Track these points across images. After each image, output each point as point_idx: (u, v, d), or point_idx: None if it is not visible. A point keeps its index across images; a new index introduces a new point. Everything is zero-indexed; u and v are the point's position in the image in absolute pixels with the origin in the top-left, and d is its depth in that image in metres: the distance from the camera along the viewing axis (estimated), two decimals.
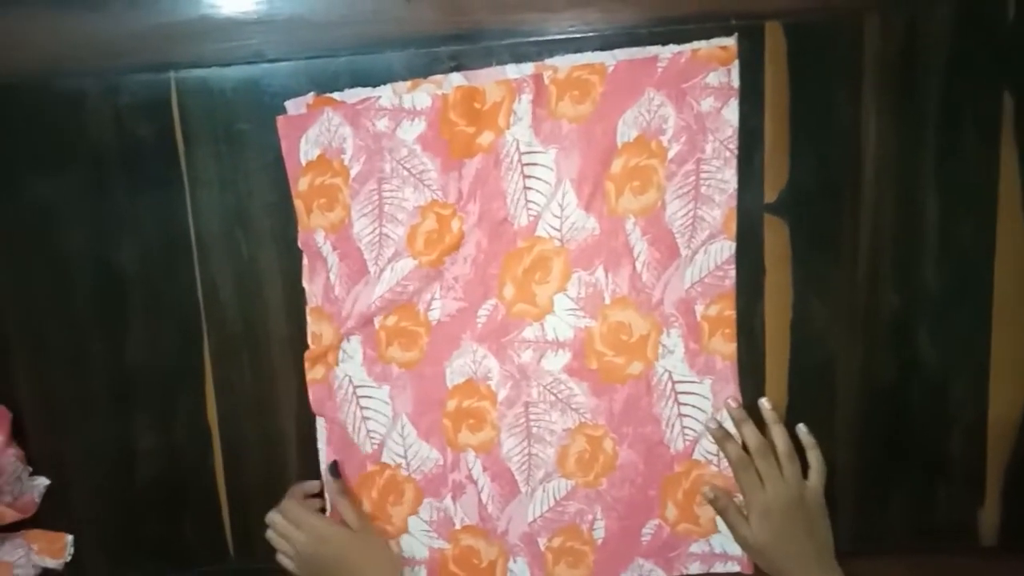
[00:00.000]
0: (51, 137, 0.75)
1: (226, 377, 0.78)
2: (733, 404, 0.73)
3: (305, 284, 0.76)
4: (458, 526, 0.79)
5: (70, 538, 0.81)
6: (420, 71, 0.71)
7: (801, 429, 0.73)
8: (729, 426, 0.74)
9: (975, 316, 0.72)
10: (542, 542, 0.78)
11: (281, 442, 0.79)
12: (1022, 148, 0.69)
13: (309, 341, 0.77)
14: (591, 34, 0.70)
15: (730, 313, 0.72)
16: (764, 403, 0.73)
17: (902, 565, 0.76)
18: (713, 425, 0.73)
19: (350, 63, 0.72)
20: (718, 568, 0.77)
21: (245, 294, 0.76)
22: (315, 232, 0.75)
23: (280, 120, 0.73)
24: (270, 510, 0.76)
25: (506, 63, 0.70)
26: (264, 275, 0.76)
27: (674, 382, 0.74)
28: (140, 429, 0.80)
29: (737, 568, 0.77)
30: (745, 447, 0.72)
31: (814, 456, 0.72)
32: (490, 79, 0.70)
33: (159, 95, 0.73)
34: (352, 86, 0.72)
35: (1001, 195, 0.70)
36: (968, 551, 0.75)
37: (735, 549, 0.76)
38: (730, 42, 0.68)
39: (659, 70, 0.69)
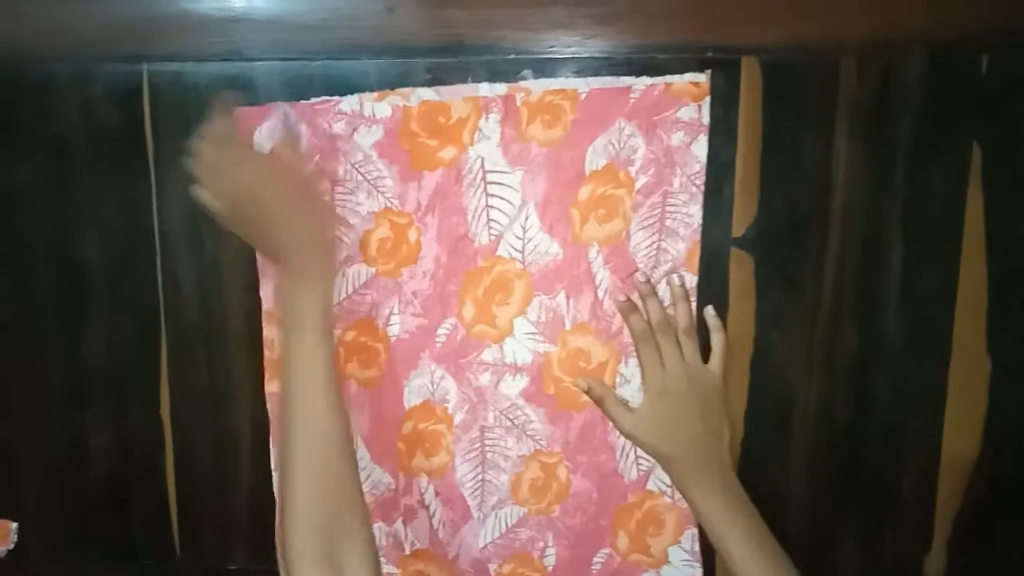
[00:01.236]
0: (19, 122, 0.73)
1: (182, 374, 0.77)
2: (641, 278, 0.69)
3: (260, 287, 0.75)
4: (408, 551, 0.78)
5: (15, 525, 0.80)
6: (395, 81, 0.70)
7: (708, 311, 0.70)
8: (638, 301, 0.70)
9: (933, 362, 0.72)
10: (493, 568, 0.77)
11: (234, 442, 0.78)
12: (988, 198, 0.69)
13: (264, 347, 0.75)
14: (569, 57, 0.70)
15: None
16: (674, 278, 0.69)
17: None
18: (622, 297, 0.69)
19: (325, 68, 0.71)
20: None
21: (206, 291, 0.75)
22: None
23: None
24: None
25: (482, 80, 0.70)
26: (226, 274, 0.75)
27: None
28: (93, 421, 0.78)
29: None
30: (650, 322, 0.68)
31: (718, 339, 0.69)
32: (459, 95, 0.70)
33: (131, 86, 0.72)
34: (326, 91, 0.71)
35: (965, 243, 0.70)
36: None
37: None
38: (702, 78, 0.68)
39: (631, 101, 0.69)
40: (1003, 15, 0.67)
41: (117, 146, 0.74)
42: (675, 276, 0.70)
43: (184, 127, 0.72)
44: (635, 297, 0.70)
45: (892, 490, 0.74)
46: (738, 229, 0.71)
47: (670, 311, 0.69)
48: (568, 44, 0.70)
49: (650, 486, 0.75)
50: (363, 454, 0.76)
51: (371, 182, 0.72)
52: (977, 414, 0.72)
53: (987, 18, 0.67)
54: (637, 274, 0.70)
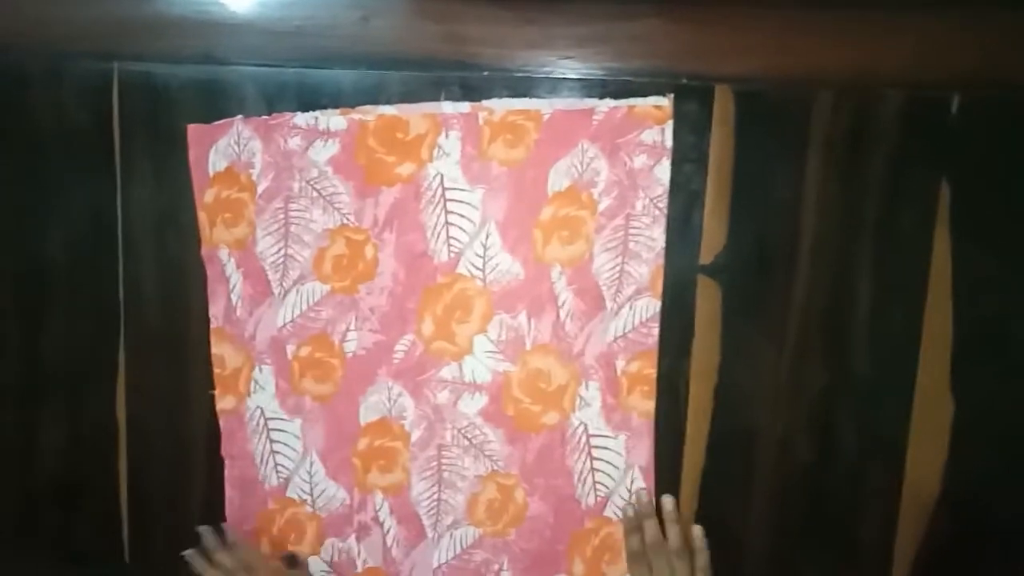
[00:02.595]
0: None
1: (139, 376, 0.76)
2: (644, 497, 0.73)
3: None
4: (360, 568, 0.76)
5: None
6: (368, 92, 0.70)
7: (696, 530, 0.72)
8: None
9: (897, 401, 0.71)
10: None
11: (189, 447, 0.77)
12: (955, 237, 0.68)
13: (213, 364, 0.75)
14: (543, 76, 0.69)
15: (650, 371, 0.71)
16: (667, 500, 0.72)
17: None
18: (630, 513, 0.73)
19: (299, 76, 0.71)
20: None
21: (167, 295, 0.75)
22: (219, 248, 0.73)
23: (191, 128, 0.72)
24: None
25: (456, 96, 0.69)
26: (189, 278, 0.75)
27: (589, 435, 0.73)
28: (46, 421, 0.78)
29: None
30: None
31: (702, 558, 0.71)
32: (418, 111, 0.70)
33: (101, 84, 0.72)
34: (299, 99, 0.71)
35: (931, 282, 0.69)
36: None
37: None
38: (665, 102, 0.68)
39: (594, 123, 0.68)
40: (976, 61, 0.67)
41: (84, 144, 0.74)
42: (642, 492, 0.73)
43: (152, 129, 0.72)
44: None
45: (852, 528, 0.73)
46: (706, 257, 0.71)
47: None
48: (543, 64, 0.69)
49: (607, 512, 0.74)
50: (318, 469, 0.75)
51: (326, 198, 0.71)
52: (939, 455, 0.71)
53: (959, 63, 0.67)
54: (641, 491, 0.73)
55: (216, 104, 0.72)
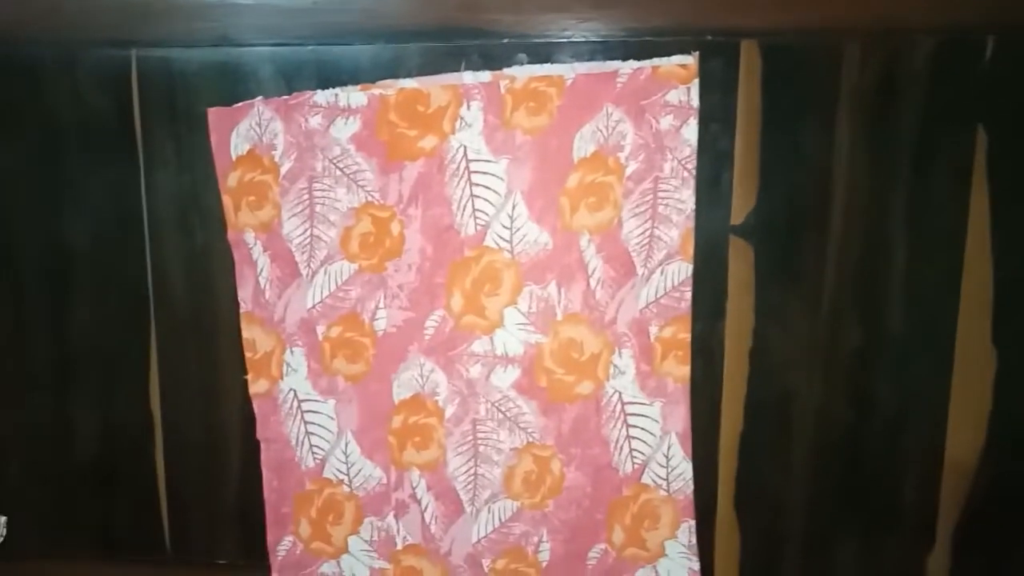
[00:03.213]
0: (6, 105, 0.73)
1: (171, 364, 0.77)
2: None
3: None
4: (400, 546, 0.77)
5: (3, 519, 0.80)
6: (386, 66, 0.69)
7: None
8: None
9: (936, 360, 0.69)
10: (486, 563, 0.76)
11: (224, 433, 0.77)
12: (993, 189, 0.67)
13: (244, 348, 0.75)
14: (564, 41, 0.68)
15: (684, 336, 0.70)
16: None
17: None
18: None
19: (316, 53, 0.70)
20: None
21: (196, 281, 0.75)
22: (244, 232, 0.73)
23: (211, 112, 0.71)
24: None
25: (477, 65, 0.69)
26: (216, 263, 0.75)
27: (624, 403, 0.72)
28: (80, 410, 0.78)
29: None
30: None
31: None
32: (438, 83, 0.69)
33: (119, 71, 0.72)
34: (318, 77, 0.70)
35: (969, 236, 0.67)
36: None
37: (681, 575, 0.74)
38: (690, 60, 0.66)
39: (618, 85, 0.67)
40: (1009, 2, 0.65)
41: (106, 131, 0.73)
42: None
43: (172, 113, 0.72)
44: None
45: (894, 489, 0.72)
46: (737, 217, 0.69)
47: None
48: (563, 28, 0.68)
49: (645, 479, 0.73)
50: (353, 448, 0.75)
51: (350, 177, 0.71)
52: (981, 411, 0.70)
53: (992, 5, 0.65)
54: None
55: (235, 86, 0.71)
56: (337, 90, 0.70)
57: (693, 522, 0.74)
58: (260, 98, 0.71)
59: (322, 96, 0.70)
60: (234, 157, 0.72)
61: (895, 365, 0.70)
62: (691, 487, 0.73)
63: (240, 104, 0.71)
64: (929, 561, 0.73)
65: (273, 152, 0.71)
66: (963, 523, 0.72)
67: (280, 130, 0.71)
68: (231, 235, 0.73)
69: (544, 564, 0.76)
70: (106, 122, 0.73)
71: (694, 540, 0.74)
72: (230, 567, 0.79)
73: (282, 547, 0.78)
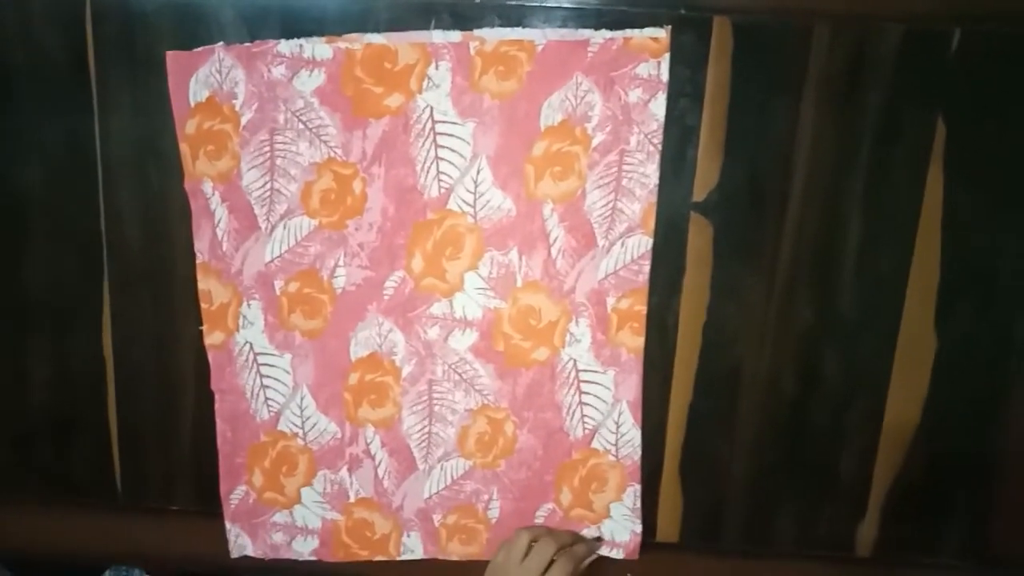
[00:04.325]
0: None
1: (125, 310, 0.75)
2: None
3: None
4: (352, 499, 0.78)
5: None
6: (354, 20, 0.67)
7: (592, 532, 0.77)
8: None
9: (881, 340, 0.72)
10: (437, 518, 0.78)
11: (178, 381, 0.77)
12: (948, 175, 0.68)
13: (200, 299, 0.74)
14: (536, 5, 0.67)
15: (640, 308, 0.71)
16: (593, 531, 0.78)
17: (787, 570, 0.78)
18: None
19: (282, 2, 0.68)
20: (603, 552, 0.78)
21: (151, 229, 0.74)
22: (202, 181, 0.71)
23: (169, 55, 0.69)
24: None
25: (446, 24, 0.67)
26: (173, 210, 0.73)
27: (578, 371, 0.73)
28: (32, 355, 0.77)
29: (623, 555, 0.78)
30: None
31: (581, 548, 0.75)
32: (407, 40, 0.67)
33: (73, 9, 0.69)
34: (282, 26, 0.68)
35: (921, 224, 0.69)
36: (845, 561, 0.77)
37: (623, 536, 0.77)
38: (662, 34, 0.66)
39: (589, 55, 0.66)
40: None
41: (58, 73, 0.70)
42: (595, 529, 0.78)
43: (129, 56, 0.70)
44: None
45: (832, 460, 0.75)
46: (699, 194, 0.70)
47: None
48: None
49: (595, 444, 0.75)
50: (309, 403, 0.76)
51: (313, 131, 0.69)
52: (919, 393, 0.73)
53: None
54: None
55: (195, 30, 0.68)
56: (302, 41, 0.68)
57: (639, 487, 0.76)
58: (221, 44, 0.69)
59: (286, 46, 0.68)
60: (192, 104, 0.70)
61: (842, 343, 0.72)
62: (639, 453, 0.75)
63: (200, 49, 0.69)
64: (859, 529, 0.76)
65: (234, 101, 0.69)
66: (893, 495, 0.75)
67: (241, 78, 0.69)
68: (188, 184, 0.72)
69: (493, 521, 0.78)
70: (58, 63, 0.70)
71: (639, 504, 0.76)
72: (182, 513, 0.80)
73: (235, 496, 0.79)
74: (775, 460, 0.75)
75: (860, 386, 0.73)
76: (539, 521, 0.77)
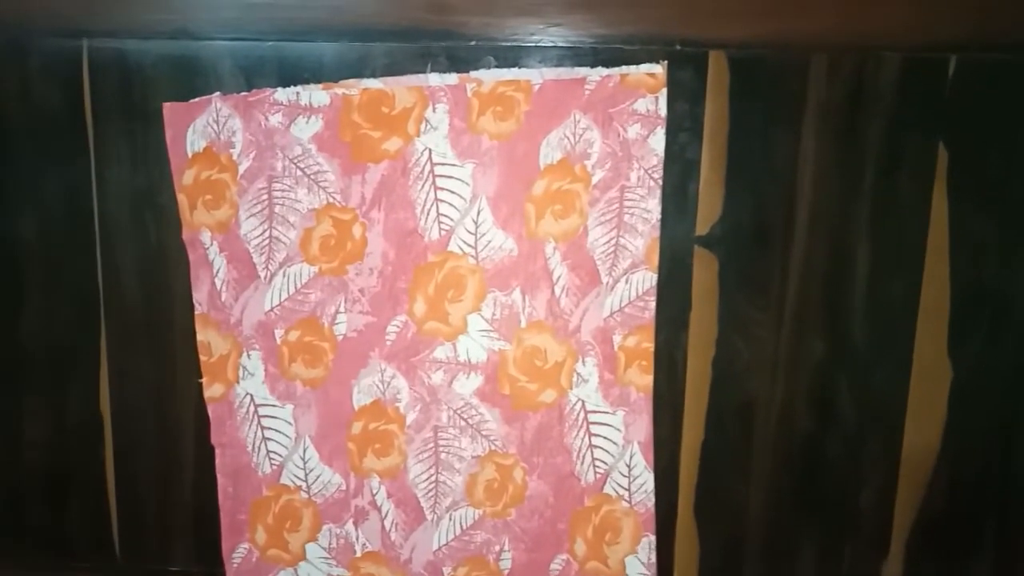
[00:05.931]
0: None
1: (123, 365, 0.74)
2: None
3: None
4: (359, 553, 0.76)
5: None
6: (351, 65, 0.68)
7: None
8: None
9: (895, 369, 0.71)
10: (447, 571, 0.75)
11: (177, 436, 0.75)
12: (953, 201, 0.68)
13: (199, 351, 0.73)
14: (532, 45, 0.67)
15: (648, 345, 0.70)
16: None
17: None
18: None
19: (277, 49, 0.68)
20: None
21: (149, 281, 0.73)
22: (200, 231, 0.71)
23: (167, 107, 0.69)
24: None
25: (443, 67, 0.67)
26: (171, 262, 0.72)
27: (587, 412, 0.72)
28: (28, 412, 0.76)
29: None
30: None
31: None
32: (404, 84, 0.67)
33: (70, 63, 0.69)
34: (279, 73, 0.68)
35: (928, 251, 0.69)
36: None
37: None
38: (658, 69, 0.66)
39: (586, 92, 0.67)
40: (974, 22, 0.66)
41: (55, 125, 0.71)
42: None
43: (126, 108, 0.70)
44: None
45: (852, 497, 0.73)
46: (702, 228, 0.69)
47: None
48: (532, 32, 0.67)
49: (607, 490, 0.73)
50: (312, 455, 0.74)
51: (311, 177, 0.69)
52: (937, 422, 0.71)
53: (956, 26, 0.66)
54: None
55: (192, 81, 0.69)
56: (299, 88, 0.68)
57: (653, 537, 0.74)
58: (218, 94, 0.69)
59: (283, 94, 0.68)
60: (190, 154, 0.70)
61: (855, 374, 0.71)
62: (652, 499, 0.73)
63: (197, 99, 0.69)
64: (884, 567, 0.74)
65: (231, 150, 0.69)
66: (916, 531, 0.73)
67: (239, 127, 0.69)
68: (186, 234, 0.71)
69: (506, 573, 0.75)
70: (56, 116, 0.70)
71: (653, 558, 0.74)
72: (183, 574, 0.78)
73: (237, 554, 0.76)
74: (792, 498, 0.73)
75: (876, 417, 0.72)
76: (554, 574, 0.75)
